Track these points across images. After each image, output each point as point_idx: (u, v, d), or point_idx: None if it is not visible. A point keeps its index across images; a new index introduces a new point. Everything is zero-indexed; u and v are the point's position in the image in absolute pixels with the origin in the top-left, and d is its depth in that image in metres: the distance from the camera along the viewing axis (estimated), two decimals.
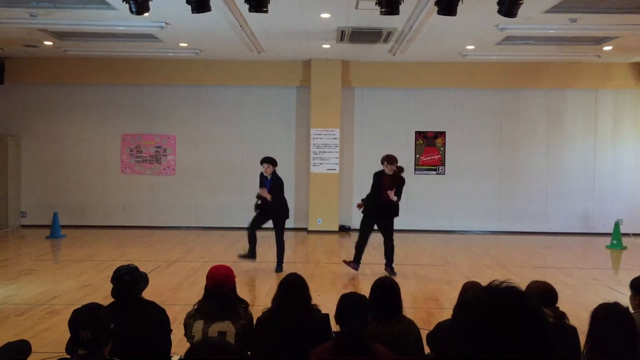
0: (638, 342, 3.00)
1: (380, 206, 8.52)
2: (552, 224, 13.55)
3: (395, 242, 8.76)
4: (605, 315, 3.07)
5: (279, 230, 8.96)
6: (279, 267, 8.80)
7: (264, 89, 13.59)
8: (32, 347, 4.04)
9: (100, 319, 2.98)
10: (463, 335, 1.26)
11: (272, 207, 8.81)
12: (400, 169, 8.67)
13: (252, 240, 8.95)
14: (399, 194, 8.53)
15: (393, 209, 8.58)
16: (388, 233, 8.64)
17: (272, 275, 8.52)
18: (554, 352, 1.26)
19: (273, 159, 8.89)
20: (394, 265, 8.69)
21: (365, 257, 9.11)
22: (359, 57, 12.97)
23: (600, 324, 3.05)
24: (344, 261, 8.83)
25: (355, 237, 12.61)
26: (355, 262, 8.68)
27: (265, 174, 8.86)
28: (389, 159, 8.55)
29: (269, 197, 8.71)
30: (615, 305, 3.13)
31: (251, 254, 8.94)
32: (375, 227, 8.74)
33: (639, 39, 10.67)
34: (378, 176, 8.66)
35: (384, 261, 8.74)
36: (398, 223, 8.91)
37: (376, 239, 8.98)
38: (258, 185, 9.03)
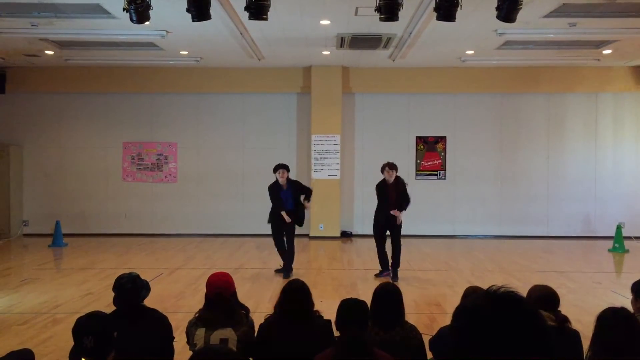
0: None
1: (389, 216, 8.64)
2: (553, 228, 13.54)
3: None
4: (612, 320, 3.06)
5: (292, 235, 8.96)
6: (287, 273, 8.78)
7: (265, 95, 13.62)
8: (35, 355, 4.05)
9: (104, 326, 2.99)
10: (462, 340, 1.27)
11: (295, 214, 8.88)
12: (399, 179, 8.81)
13: (283, 253, 9.00)
14: (405, 197, 8.71)
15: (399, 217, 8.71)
16: (397, 238, 8.72)
17: (274, 281, 8.52)
18: (553, 355, 1.27)
19: (287, 165, 8.96)
20: (398, 271, 8.72)
21: (367, 263, 9.13)
22: (359, 63, 13.01)
23: (607, 328, 3.04)
24: (376, 275, 8.83)
25: (356, 242, 12.70)
26: (385, 270, 8.78)
27: (280, 182, 8.84)
28: (390, 165, 8.67)
29: (288, 219, 8.80)
30: (622, 310, 3.13)
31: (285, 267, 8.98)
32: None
33: (637, 42, 10.69)
34: (382, 187, 8.76)
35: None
36: None
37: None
38: (267, 194, 8.98)
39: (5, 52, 11.70)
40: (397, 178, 8.75)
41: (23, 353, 3.95)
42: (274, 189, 8.93)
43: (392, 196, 8.66)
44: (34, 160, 13.68)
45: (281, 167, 8.86)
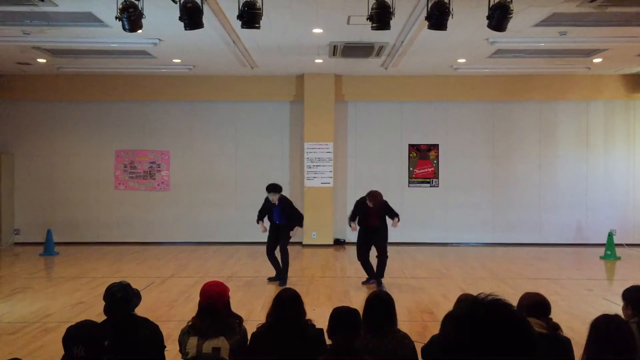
0: (636, 354, 3.01)
1: (370, 230, 8.74)
2: (545, 235, 13.59)
3: (390, 255, 8.81)
4: (606, 327, 3.07)
5: (285, 242, 9.03)
6: (283, 281, 8.81)
7: (258, 103, 13.63)
8: None
9: (94, 335, 2.98)
10: (450, 346, 1.28)
11: (282, 227, 8.99)
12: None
13: (275, 262, 9.08)
14: (389, 211, 8.82)
15: (383, 231, 8.80)
16: (382, 249, 8.78)
17: (267, 289, 8.50)
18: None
19: (277, 186, 9.02)
20: (382, 280, 8.76)
21: (360, 271, 9.12)
22: (352, 71, 13.05)
23: (601, 335, 3.05)
24: (363, 283, 8.93)
25: (349, 250, 12.69)
26: (371, 278, 8.85)
27: (272, 202, 8.96)
28: (373, 197, 8.67)
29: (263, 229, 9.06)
30: (616, 318, 3.15)
31: (280, 276, 9.07)
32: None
33: (627, 50, 10.79)
34: (361, 205, 8.83)
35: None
36: (393, 235, 8.97)
37: (373, 252, 9.01)
38: (259, 202, 9.17)
39: None
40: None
41: None
42: (266, 203, 9.13)
43: (373, 216, 8.75)
44: (25, 168, 13.61)
45: (272, 191, 8.95)
